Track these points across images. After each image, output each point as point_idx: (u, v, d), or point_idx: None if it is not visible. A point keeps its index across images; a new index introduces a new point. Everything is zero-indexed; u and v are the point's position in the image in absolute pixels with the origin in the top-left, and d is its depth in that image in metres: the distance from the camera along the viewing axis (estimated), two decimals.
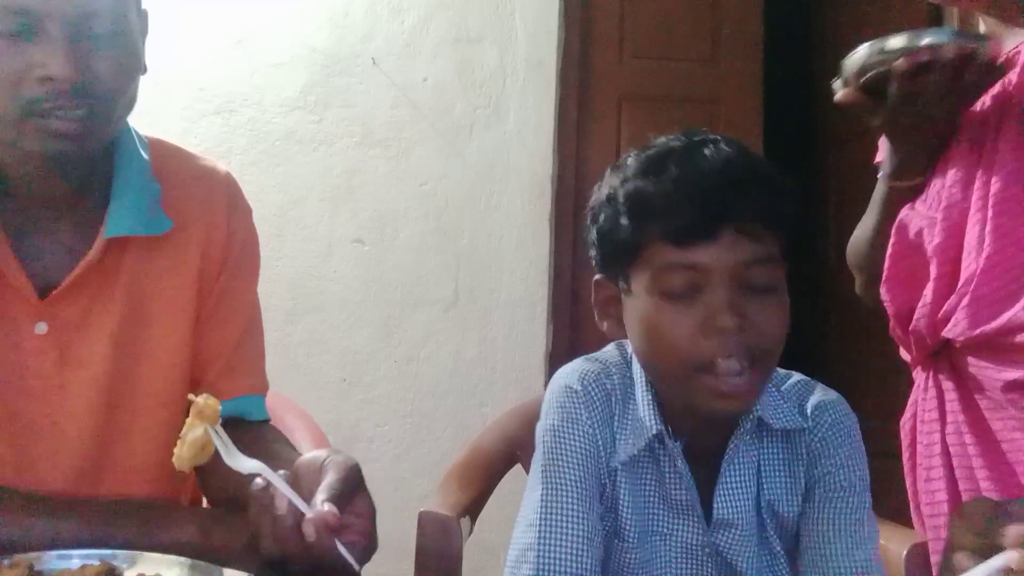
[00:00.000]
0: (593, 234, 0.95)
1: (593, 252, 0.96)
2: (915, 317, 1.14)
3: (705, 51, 2.95)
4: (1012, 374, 1.02)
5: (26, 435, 0.94)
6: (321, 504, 0.76)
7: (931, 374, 1.16)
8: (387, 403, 2.69)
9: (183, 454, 0.78)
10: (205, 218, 1.04)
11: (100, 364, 0.96)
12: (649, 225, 0.87)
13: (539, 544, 0.90)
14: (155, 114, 2.69)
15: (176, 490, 1.09)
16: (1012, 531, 0.69)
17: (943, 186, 1.12)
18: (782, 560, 0.95)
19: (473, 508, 1.28)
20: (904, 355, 1.24)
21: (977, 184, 1.08)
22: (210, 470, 1.00)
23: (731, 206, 0.84)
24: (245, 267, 1.08)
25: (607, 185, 0.93)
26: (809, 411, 0.95)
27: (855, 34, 3.25)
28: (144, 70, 0.98)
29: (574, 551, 0.89)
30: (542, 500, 0.92)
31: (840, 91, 1.13)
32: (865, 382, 2.69)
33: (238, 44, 2.73)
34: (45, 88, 0.87)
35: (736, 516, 0.93)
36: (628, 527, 0.94)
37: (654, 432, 0.92)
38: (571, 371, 0.98)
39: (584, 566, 0.89)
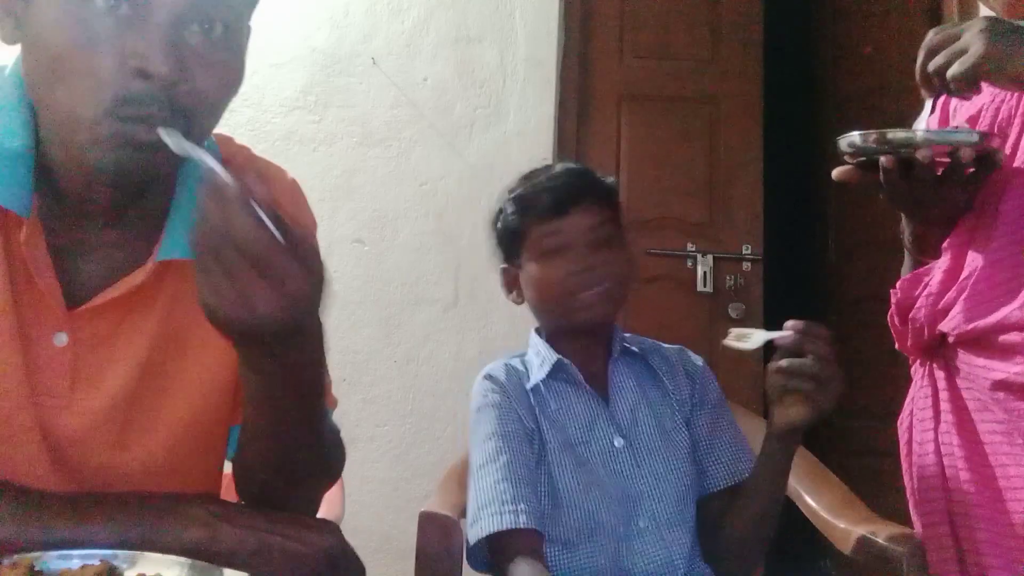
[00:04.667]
0: (495, 236, 1.35)
1: (497, 250, 1.34)
2: (916, 306, 1.14)
3: (705, 51, 2.95)
4: (1000, 373, 1.02)
5: (14, 455, 0.84)
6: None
7: (928, 370, 1.16)
8: (387, 403, 2.69)
9: None
10: None
11: (118, 389, 0.86)
12: (527, 213, 1.27)
13: (475, 490, 1.17)
14: None
15: None
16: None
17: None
18: (675, 440, 1.26)
19: None
20: (899, 349, 1.24)
21: (1002, 181, 1.08)
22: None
23: (575, 191, 1.25)
24: None
25: (499, 202, 1.33)
26: (675, 350, 1.36)
27: (855, 34, 3.26)
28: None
29: (504, 479, 1.16)
30: (473, 457, 1.21)
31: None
32: (865, 382, 2.69)
33: None
34: (138, 85, 0.73)
35: (627, 402, 1.27)
36: (554, 444, 1.22)
37: (554, 361, 1.25)
38: (482, 371, 1.29)
39: (517, 483, 1.15)
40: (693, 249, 2.83)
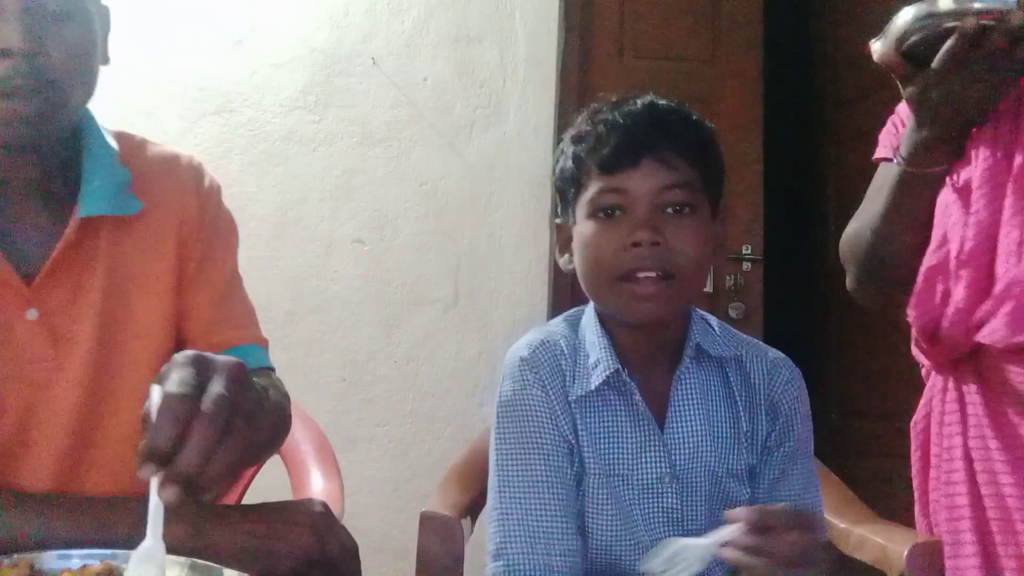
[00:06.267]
0: (555, 184, 1.11)
1: (558, 201, 1.11)
2: (945, 325, 1.12)
3: (705, 51, 2.95)
4: None
5: (21, 418, 0.97)
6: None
7: (951, 379, 1.16)
8: (387, 403, 2.69)
9: None
10: (175, 199, 1.08)
11: (88, 341, 1.00)
12: (586, 159, 1.03)
13: (501, 513, 1.02)
14: (155, 114, 2.69)
15: None
16: (734, 512, 0.82)
17: (972, 188, 1.09)
18: (734, 490, 1.04)
19: (473, 508, 1.28)
20: (921, 361, 1.23)
21: (1010, 188, 1.07)
22: None
23: (650, 139, 1.00)
24: (220, 238, 1.13)
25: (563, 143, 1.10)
26: (767, 365, 1.07)
27: (854, 34, 3.25)
28: (105, 61, 1.01)
29: (539, 507, 1.00)
30: (499, 468, 1.04)
31: (878, 51, 1.08)
32: (865, 383, 2.69)
33: (238, 44, 2.73)
34: (3, 64, 0.87)
35: (687, 434, 1.04)
36: (592, 467, 1.03)
37: (612, 370, 1.03)
38: (521, 344, 1.08)
39: (554, 516, 1.00)
40: None
